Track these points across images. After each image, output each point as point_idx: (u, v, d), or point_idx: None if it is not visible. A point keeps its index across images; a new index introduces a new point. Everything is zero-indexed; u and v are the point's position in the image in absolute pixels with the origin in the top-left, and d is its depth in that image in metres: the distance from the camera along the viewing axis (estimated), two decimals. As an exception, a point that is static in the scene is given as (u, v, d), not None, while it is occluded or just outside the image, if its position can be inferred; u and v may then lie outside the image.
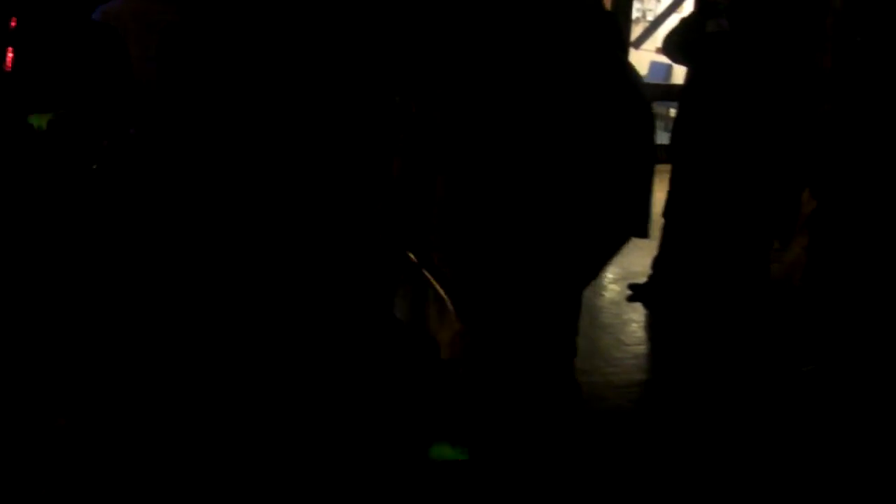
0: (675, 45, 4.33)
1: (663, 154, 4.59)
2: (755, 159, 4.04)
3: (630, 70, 2.77)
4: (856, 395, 3.60)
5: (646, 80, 9.58)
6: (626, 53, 4.06)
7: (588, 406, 3.44)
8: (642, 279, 4.63)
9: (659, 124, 10.45)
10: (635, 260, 5.03)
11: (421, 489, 2.69)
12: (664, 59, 7.99)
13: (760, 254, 4.32)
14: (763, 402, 3.53)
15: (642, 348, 4.10)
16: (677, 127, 4.52)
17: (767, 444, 3.18)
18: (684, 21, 4.49)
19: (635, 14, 10.19)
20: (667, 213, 4.44)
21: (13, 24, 3.09)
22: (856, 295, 3.96)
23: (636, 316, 4.40)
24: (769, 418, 3.40)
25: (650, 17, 10.87)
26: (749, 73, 4.00)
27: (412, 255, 2.91)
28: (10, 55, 3.04)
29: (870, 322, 3.85)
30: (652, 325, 4.34)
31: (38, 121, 2.97)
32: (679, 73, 7.57)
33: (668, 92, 7.59)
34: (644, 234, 3.08)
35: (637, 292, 4.60)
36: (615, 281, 4.87)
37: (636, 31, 9.89)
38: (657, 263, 4.53)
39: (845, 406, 3.51)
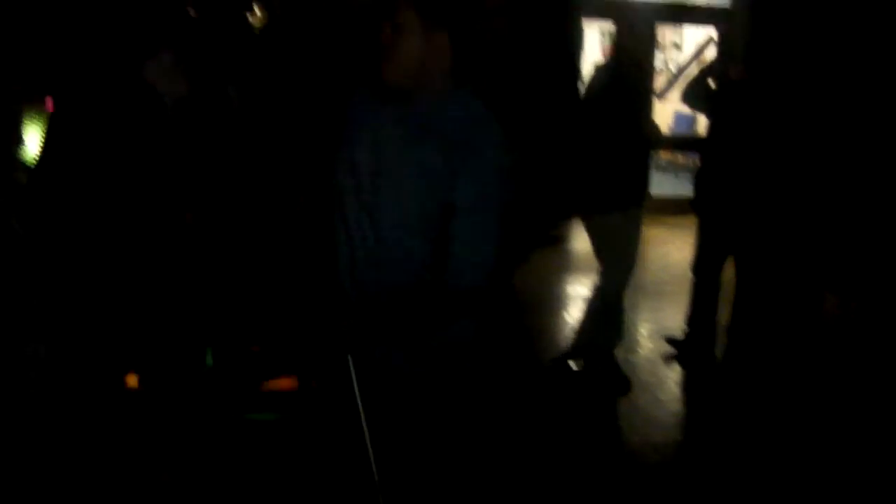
0: (696, 94, 4.30)
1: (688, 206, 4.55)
2: (782, 210, 3.96)
3: None
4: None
5: (671, 132, 9.61)
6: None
7: (628, 465, 3.38)
8: (675, 334, 4.53)
9: (685, 175, 10.34)
10: (668, 315, 4.96)
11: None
12: (689, 110, 7.97)
13: (799, 305, 4.22)
14: (804, 462, 3.43)
15: (681, 406, 4.01)
16: (700, 178, 4.36)
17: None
18: (704, 70, 4.45)
19: (658, 65, 10.22)
20: (696, 268, 4.35)
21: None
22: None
23: (673, 374, 4.30)
24: (809, 479, 3.30)
25: (673, 67, 10.90)
26: (770, 121, 3.94)
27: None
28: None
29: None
30: (689, 383, 4.24)
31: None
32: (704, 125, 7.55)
33: (693, 143, 7.56)
34: None
35: (674, 349, 4.49)
36: (648, 338, 4.79)
37: (660, 82, 9.90)
38: (692, 320, 4.42)
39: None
